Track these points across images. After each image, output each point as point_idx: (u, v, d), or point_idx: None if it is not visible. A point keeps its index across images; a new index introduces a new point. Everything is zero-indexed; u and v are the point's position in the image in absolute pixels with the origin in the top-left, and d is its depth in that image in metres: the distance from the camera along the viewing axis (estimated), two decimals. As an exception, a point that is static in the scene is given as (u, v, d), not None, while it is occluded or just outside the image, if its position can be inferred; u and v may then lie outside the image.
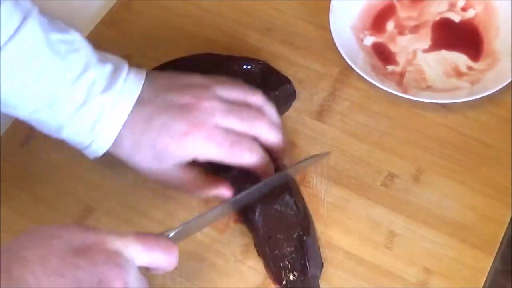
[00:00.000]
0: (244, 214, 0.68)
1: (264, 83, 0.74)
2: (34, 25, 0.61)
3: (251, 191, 0.65)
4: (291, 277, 0.65)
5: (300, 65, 0.79)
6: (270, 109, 0.68)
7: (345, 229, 0.69)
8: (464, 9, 0.82)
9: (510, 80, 0.75)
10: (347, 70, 0.78)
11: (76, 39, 0.63)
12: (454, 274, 0.66)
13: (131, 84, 0.64)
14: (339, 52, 0.77)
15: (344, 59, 0.77)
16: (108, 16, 0.85)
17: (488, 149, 0.73)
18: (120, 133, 0.64)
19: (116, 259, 0.50)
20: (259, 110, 0.67)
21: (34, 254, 0.48)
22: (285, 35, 0.82)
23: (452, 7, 0.83)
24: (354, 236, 0.69)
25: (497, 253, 0.68)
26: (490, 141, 0.74)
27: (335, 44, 0.78)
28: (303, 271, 0.65)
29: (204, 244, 0.69)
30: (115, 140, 0.64)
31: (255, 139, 0.66)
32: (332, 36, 0.79)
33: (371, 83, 0.75)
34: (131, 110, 0.64)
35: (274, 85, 0.75)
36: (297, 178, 0.71)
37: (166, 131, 0.63)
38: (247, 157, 0.65)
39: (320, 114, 0.76)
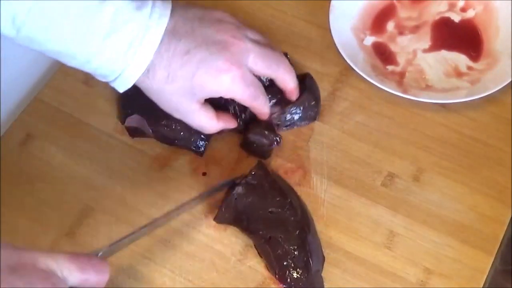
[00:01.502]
0: (239, 223, 0.68)
1: None
2: None
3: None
4: (295, 274, 0.65)
5: (300, 65, 0.79)
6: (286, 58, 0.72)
7: (345, 229, 0.69)
8: (464, 9, 0.82)
9: (510, 80, 0.75)
10: (347, 70, 0.78)
11: None
12: (454, 274, 0.66)
13: (159, 9, 0.65)
14: (339, 52, 0.78)
15: (344, 59, 0.77)
16: (108, 16, 0.85)
17: (488, 149, 0.73)
18: (153, 62, 0.64)
19: (50, 278, 0.51)
20: (281, 55, 0.71)
21: None
22: (285, 35, 0.82)
23: (452, 7, 0.83)
24: (354, 236, 0.69)
25: (497, 253, 0.68)
26: (490, 141, 0.74)
27: (335, 44, 0.78)
28: (306, 267, 0.65)
29: (204, 244, 0.69)
30: (147, 69, 0.65)
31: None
32: (332, 36, 0.79)
33: (371, 83, 0.75)
34: (167, 41, 0.64)
35: None
36: (296, 178, 0.71)
37: (205, 66, 0.65)
38: (262, 101, 0.70)
39: (320, 114, 0.76)
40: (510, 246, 0.71)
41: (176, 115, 0.69)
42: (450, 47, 0.80)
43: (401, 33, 0.82)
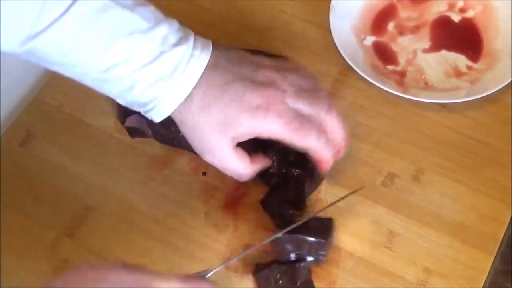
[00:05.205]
0: None
1: None
2: None
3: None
4: None
5: (300, 65, 0.79)
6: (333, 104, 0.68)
7: (345, 229, 0.69)
8: (463, 10, 0.82)
9: (510, 80, 0.75)
10: (347, 70, 0.78)
11: None
12: (454, 274, 0.67)
13: (201, 43, 0.64)
14: (339, 52, 0.78)
15: (344, 59, 0.77)
16: (108, 16, 0.85)
17: (488, 149, 0.73)
18: (192, 93, 0.63)
19: None
20: (327, 98, 0.66)
21: None
22: (285, 35, 0.82)
23: (451, 7, 0.83)
24: (354, 236, 0.69)
25: (497, 253, 0.68)
26: (490, 141, 0.74)
27: (335, 44, 0.78)
28: None
29: (204, 244, 0.69)
30: (185, 99, 0.63)
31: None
32: (332, 36, 0.79)
33: (371, 83, 0.75)
34: (207, 73, 0.63)
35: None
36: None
37: (238, 100, 0.63)
38: (313, 139, 0.64)
39: (320, 114, 0.76)
40: (510, 246, 0.71)
41: (208, 156, 0.66)
42: (450, 47, 0.80)
43: (401, 33, 0.82)
